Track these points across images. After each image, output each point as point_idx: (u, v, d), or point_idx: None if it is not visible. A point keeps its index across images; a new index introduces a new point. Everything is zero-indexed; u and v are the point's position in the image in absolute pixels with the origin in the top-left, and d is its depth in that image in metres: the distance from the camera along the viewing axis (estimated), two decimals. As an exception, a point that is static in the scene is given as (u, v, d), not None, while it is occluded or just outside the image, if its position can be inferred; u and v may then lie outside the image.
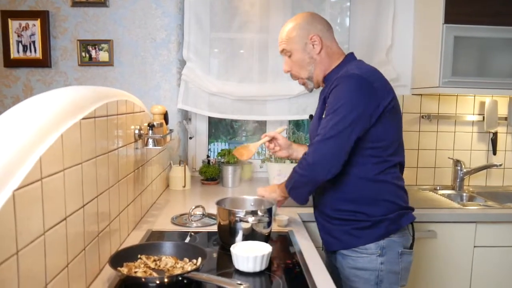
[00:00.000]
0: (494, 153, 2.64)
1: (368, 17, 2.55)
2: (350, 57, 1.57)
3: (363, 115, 1.36)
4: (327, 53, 1.54)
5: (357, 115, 1.36)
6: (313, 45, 1.53)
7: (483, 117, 2.60)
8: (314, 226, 1.70)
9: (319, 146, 1.38)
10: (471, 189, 2.55)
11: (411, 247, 1.51)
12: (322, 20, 1.57)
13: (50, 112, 0.92)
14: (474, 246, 2.05)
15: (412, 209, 1.52)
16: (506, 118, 2.62)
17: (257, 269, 1.23)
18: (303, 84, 1.62)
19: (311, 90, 1.65)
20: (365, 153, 1.42)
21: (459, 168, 2.52)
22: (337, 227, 1.51)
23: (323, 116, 1.43)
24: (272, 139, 1.72)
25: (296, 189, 1.50)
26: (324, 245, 1.61)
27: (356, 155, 1.42)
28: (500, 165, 2.54)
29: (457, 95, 2.61)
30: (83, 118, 1.05)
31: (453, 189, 2.54)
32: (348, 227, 1.47)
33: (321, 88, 1.63)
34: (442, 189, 2.55)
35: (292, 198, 1.53)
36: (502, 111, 2.62)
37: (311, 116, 1.73)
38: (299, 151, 1.74)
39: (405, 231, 1.50)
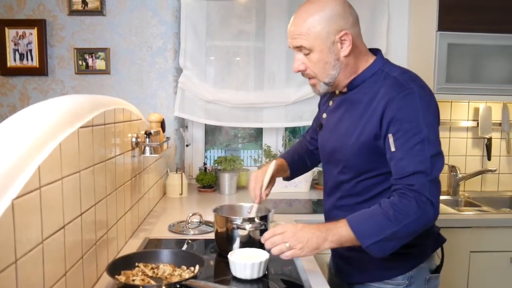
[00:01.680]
0: (489, 159, 2.66)
1: (362, 24, 2.52)
2: (379, 59, 1.27)
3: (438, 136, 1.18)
4: (355, 55, 1.24)
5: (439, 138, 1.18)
6: (341, 44, 1.20)
7: (478, 123, 2.62)
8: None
9: (436, 184, 1.13)
10: (466, 195, 2.57)
11: (437, 270, 1.34)
12: (353, 10, 1.24)
13: (48, 121, 0.93)
14: (470, 251, 2.06)
15: (439, 228, 1.37)
16: (500, 124, 2.64)
17: (255, 276, 1.23)
18: (313, 85, 1.28)
19: (319, 94, 1.35)
20: None
21: (454, 173, 2.54)
22: (361, 257, 1.22)
23: (391, 139, 1.15)
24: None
25: (389, 242, 1.11)
26: (339, 275, 1.43)
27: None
28: (495, 170, 2.57)
29: (451, 101, 2.64)
30: (81, 127, 1.06)
31: (448, 194, 2.56)
32: (376, 258, 1.15)
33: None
34: (438, 195, 2.56)
35: (372, 252, 1.12)
36: (496, 117, 2.64)
37: (320, 126, 1.41)
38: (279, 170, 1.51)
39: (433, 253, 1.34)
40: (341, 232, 1.13)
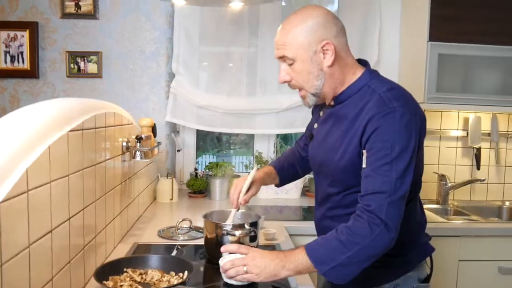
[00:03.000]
0: (478, 168, 2.69)
1: (354, 33, 2.59)
2: (367, 72, 1.26)
3: (413, 157, 1.14)
4: (340, 66, 1.22)
5: (412, 161, 1.14)
6: (324, 55, 1.19)
7: (467, 132, 2.65)
8: (301, 239, 1.70)
9: (396, 207, 1.10)
10: (455, 204, 2.59)
11: (427, 279, 1.33)
12: (337, 21, 1.22)
13: (37, 124, 0.92)
14: (459, 260, 2.07)
15: (429, 238, 1.39)
16: (489, 134, 2.67)
17: (245, 282, 1.22)
18: (303, 97, 1.27)
19: (310, 106, 1.32)
20: None
21: (444, 182, 2.55)
22: None
23: (365, 155, 1.15)
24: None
25: (345, 268, 1.10)
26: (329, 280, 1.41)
27: None
28: (484, 180, 2.59)
29: (441, 111, 2.66)
30: (71, 130, 1.05)
31: (438, 203, 2.57)
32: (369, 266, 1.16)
33: None
34: (427, 204, 2.57)
35: (330, 278, 1.12)
36: (485, 127, 2.67)
37: (311, 136, 1.41)
38: (265, 179, 1.53)
39: (422, 262, 1.35)
40: (298, 259, 1.13)
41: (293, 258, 1.14)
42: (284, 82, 1.26)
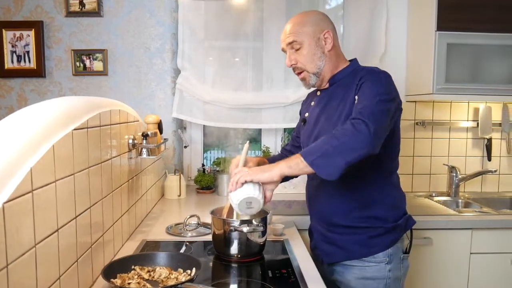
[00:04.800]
0: (489, 159, 2.65)
1: (361, 25, 2.56)
2: (356, 61, 1.55)
3: (398, 106, 1.38)
4: (336, 53, 1.51)
5: (397, 104, 1.37)
6: (325, 41, 1.47)
7: (477, 123, 2.61)
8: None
9: (379, 116, 1.25)
10: (466, 196, 2.55)
11: (407, 251, 1.52)
12: (331, 23, 1.54)
13: (41, 123, 0.92)
14: (471, 253, 2.04)
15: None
16: (500, 124, 2.63)
17: (256, 193, 1.25)
18: (303, 79, 1.52)
19: (310, 87, 1.55)
20: (384, 146, 1.32)
21: (454, 174, 2.52)
22: (345, 237, 1.45)
23: (356, 99, 1.36)
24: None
25: (330, 158, 1.20)
26: (321, 256, 1.54)
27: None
28: (495, 171, 2.55)
29: (451, 102, 2.62)
30: (75, 129, 1.05)
31: (448, 195, 2.54)
32: (361, 236, 1.43)
33: (310, 90, 1.64)
34: (437, 196, 2.55)
35: (317, 169, 1.21)
36: (496, 117, 2.63)
37: (304, 121, 1.61)
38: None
39: (404, 234, 1.51)
40: (291, 158, 1.26)
41: (288, 159, 1.28)
42: (291, 65, 1.51)
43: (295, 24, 1.48)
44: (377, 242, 1.42)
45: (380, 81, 1.35)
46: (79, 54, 2.47)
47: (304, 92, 2.47)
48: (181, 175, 2.36)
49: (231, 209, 1.45)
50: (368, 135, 1.21)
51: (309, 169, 1.22)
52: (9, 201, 0.74)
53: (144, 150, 1.64)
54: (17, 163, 0.79)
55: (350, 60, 1.55)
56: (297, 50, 1.48)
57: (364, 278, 1.43)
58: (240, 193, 1.27)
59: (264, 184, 1.29)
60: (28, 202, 0.81)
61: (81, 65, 2.48)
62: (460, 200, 2.49)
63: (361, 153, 1.20)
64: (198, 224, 1.71)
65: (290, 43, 1.48)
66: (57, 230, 0.94)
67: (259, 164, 1.54)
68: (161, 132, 1.89)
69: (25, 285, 0.81)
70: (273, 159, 1.67)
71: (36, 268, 0.84)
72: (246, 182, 1.27)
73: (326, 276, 1.52)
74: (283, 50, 1.54)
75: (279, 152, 1.90)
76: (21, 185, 0.78)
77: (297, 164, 1.24)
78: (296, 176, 1.67)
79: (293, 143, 1.76)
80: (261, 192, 1.28)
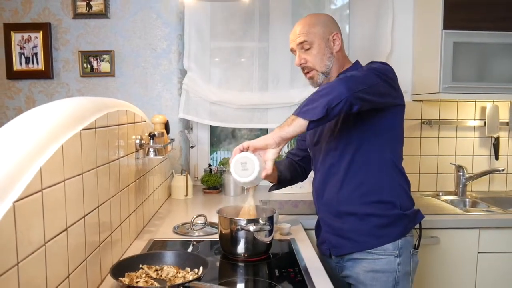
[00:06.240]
0: (497, 158, 2.63)
1: (367, 24, 2.56)
2: (358, 62, 1.60)
3: (394, 83, 1.44)
4: (342, 55, 1.58)
5: (392, 77, 1.43)
6: (333, 42, 1.54)
7: (485, 122, 2.60)
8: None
9: (362, 78, 1.32)
10: (474, 195, 2.54)
11: (417, 246, 1.52)
12: (338, 25, 1.62)
13: (51, 123, 0.93)
14: (478, 252, 2.03)
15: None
16: (507, 123, 2.61)
17: (251, 155, 1.27)
18: (311, 77, 1.56)
19: (317, 86, 1.57)
20: (386, 136, 1.45)
21: (461, 173, 2.51)
22: (353, 227, 1.46)
23: None
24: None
25: (314, 102, 1.25)
26: (330, 250, 1.54)
27: (377, 137, 1.44)
28: (503, 170, 2.53)
29: (457, 101, 2.61)
30: (84, 129, 1.06)
31: (455, 195, 2.53)
32: (369, 225, 1.43)
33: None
34: (444, 195, 2.54)
35: (304, 115, 1.25)
36: (504, 115, 2.61)
37: None
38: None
39: (413, 230, 1.52)
40: (286, 120, 1.29)
41: (282, 123, 1.30)
42: (300, 65, 1.56)
43: (306, 24, 1.54)
44: (385, 232, 1.43)
45: (375, 63, 1.44)
46: (86, 56, 2.49)
47: (309, 92, 2.47)
48: (188, 175, 2.37)
49: (245, 213, 1.46)
50: (347, 81, 1.26)
51: (298, 120, 1.25)
52: (20, 200, 0.75)
53: (151, 150, 1.65)
54: (27, 163, 0.80)
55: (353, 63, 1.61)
56: (307, 50, 1.53)
57: (373, 271, 1.43)
58: (236, 156, 1.30)
59: (262, 151, 1.30)
60: (37, 201, 0.82)
61: (89, 66, 2.50)
62: (467, 199, 2.47)
63: (340, 96, 1.22)
64: (205, 223, 1.72)
65: (300, 43, 1.53)
66: (66, 229, 0.96)
67: None
68: (168, 133, 1.91)
69: (35, 283, 0.82)
70: (279, 164, 1.73)
71: (46, 266, 0.86)
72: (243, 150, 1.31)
73: (335, 272, 1.54)
74: (292, 50, 1.58)
75: (285, 153, 1.92)
76: (31, 184, 0.79)
77: (286, 122, 1.27)
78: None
79: (298, 146, 1.80)
80: (257, 157, 1.29)
